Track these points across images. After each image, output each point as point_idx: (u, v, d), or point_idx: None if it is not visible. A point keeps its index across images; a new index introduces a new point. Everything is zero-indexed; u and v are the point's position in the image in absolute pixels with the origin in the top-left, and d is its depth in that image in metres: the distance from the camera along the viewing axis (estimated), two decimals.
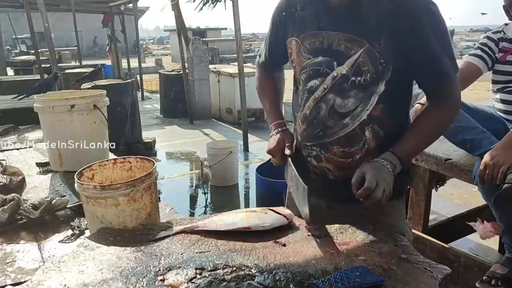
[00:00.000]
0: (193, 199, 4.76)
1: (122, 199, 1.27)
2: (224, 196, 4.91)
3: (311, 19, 1.33)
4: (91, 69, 7.50)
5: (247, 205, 4.69)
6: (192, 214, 4.41)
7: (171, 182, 5.23)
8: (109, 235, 1.24)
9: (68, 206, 1.67)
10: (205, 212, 4.44)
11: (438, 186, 2.78)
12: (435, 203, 3.59)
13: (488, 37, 2.16)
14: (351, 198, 1.24)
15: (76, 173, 1.35)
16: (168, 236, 1.18)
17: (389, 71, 1.26)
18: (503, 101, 2.10)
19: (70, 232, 1.53)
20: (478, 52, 2.13)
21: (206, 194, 4.71)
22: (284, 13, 1.41)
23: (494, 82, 2.14)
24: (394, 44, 1.23)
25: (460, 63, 2.19)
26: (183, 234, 1.23)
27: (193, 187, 5.16)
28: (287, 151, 1.41)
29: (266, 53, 1.56)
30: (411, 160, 1.31)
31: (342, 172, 1.35)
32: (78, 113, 1.97)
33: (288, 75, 1.52)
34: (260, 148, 6.46)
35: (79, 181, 1.30)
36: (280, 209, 1.33)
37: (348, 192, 1.25)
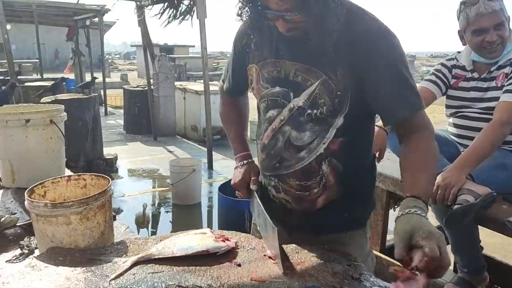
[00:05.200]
0: (154, 218, 4.67)
1: (74, 218, 1.23)
2: (186, 215, 4.85)
3: (270, 47, 1.30)
4: (52, 82, 7.35)
5: (209, 223, 4.65)
6: (153, 233, 4.32)
7: (133, 200, 5.12)
8: (59, 255, 1.20)
9: (18, 224, 1.60)
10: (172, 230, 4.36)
11: (395, 206, 2.85)
12: (393, 223, 3.68)
13: (442, 64, 2.26)
14: (310, 229, 1.29)
15: (26, 190, 1.31)
16: (126, 271, 1.11)
17: (347, 104, 1.21)
18: (455, 125, 2.19)
19: (18, 251, 1.46)
20: (433, 78, 2.22)
21: (168, 213, 4.64)
22: (244, 40, 1.37)
23: (448, 107, 2.23)
24: (351, 75, 1.19)
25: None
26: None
27: (155, 206, 5.08)
28: (253, 186, 1.37)
29: (230, 79, 1.51)
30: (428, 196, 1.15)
31: (300, 205, 1.34)
32: (33, 128, 1.91)
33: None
34: (224, 166, 6.45)
35: (29, 199, 1.26)
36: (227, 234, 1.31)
37: (307, 222, 1.30)
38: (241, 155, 1.48)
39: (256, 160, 1.49)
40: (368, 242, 1.43)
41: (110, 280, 1.06)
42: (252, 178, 1.40)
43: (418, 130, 1.21)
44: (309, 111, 1.24)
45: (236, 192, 1.48)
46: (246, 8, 1.18)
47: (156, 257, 1.17)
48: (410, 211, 1.04)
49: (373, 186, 1.44)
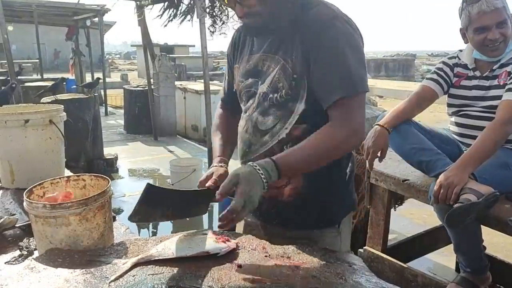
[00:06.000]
0: None
1: (73, 219, 1.22)
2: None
3: (247, 46, 1.43)
4: (52, 82, 7.35)
5: (210, 224, 4.63)
6: (154, 234, 4.32)
7: (133, 200, 5.10)
8: (58, 256, 1.18)
9: (17, 225, 1.59)
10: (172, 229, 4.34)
11: (396, 206, 2.84)
12: (396, 223, 3.67)
13: (444, 62, 2.24)
14: (281, 222, 1.36)
15: (25, 191, 1.30)
16: (126, 272, 1.10)
17: (304, 88, 1.26)
18: (457, 124, 2.17)
19: (18, 252, 1.45)
20: (434, 76, 2.20)
21: None
22: (232, 46, 1.49)
23: (449, 105, 2.21)
24: (302, 58, 1.26)
25: (417, 86, 2.29)
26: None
27: None
28: (208, 183, 1.35)
29: (225, 86, 1.60)
30: (294, 175, 1.25)
31: (268, 191, 1.33)
32: (32, 128, 1.90)
33: None
34: None
35: (28, 199, 1.25)
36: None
37: (279, 215, 1.36)
38: (216, 159, 1.49)
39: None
40: (342, 242, 1.42)
41: (110, 282, 1.05)
42: (213, 177, 1.37)
43: (334, 117, 1.23)
44: (270, 95, 1.32)
45: None
46: None
47: (156, 258, 1.16)
48: (256, 168, 1.16)
49: (347, 187, 1.43)
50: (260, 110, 1.36)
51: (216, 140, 1.56)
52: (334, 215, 1.41)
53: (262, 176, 1.15)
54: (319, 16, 1.25)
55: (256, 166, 1.16)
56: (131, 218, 1.22)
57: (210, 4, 1.34)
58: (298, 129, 1.30)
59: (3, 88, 5.59)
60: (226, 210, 1.12)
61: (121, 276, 1.08)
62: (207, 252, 1.17)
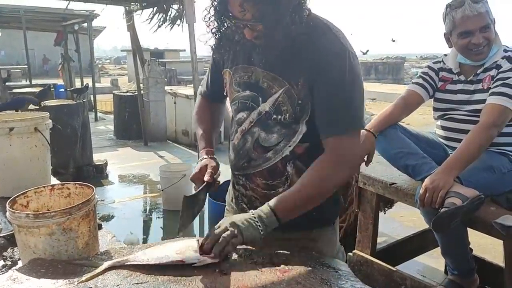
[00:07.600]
0: (145, 224, 4.64)
1: (57, 228, 1.21)
2: (177, 220, 4.80)
3: (243, 53, 1.38)
4: (40, 88, 7.30)
5: (201, 228, 4.62)
6: (145, 241, 4.29)
7: (123, 206, 5.08)
8: (41, 267, 1.17)
9: (1, 235, 1.57)
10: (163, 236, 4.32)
11: (386, 209, 2.85)
12: (385, 226, 3.68)
13: (429, 67, 2.26)
14: (284, 225, 1.30)
15: (8, 200, 1.28)
16: (99, 274, 1.11)
17: (307, 112, 1.29)
18: (443, 128, 2.19)
19: (2, 263, 1.44)
20: (420, 80, 2.22)
21: (158, 219, 4.61)
22: (222, 46, 1.41)
23: (435, 109, 2.23)
24: (307, 84, 1.27)
25: (403, 90, 2.30)
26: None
27: (145, 212, 5.04)
28: (206, 177, 1.39)
29: (208, 83, 1.61)
30: (292, 217, 1.26)
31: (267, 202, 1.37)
32: (17, 136, 1.88)
33: None
34: None
35: (11, 209, 1.23)
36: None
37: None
38: (204, 150, 1.52)
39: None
40: (337, 238, 1.51)
41: (79, 282, 1.06)
42: (208, 170, 1.42)
43: (331, 153, 1.27)
44: (274, 116, 1.33)
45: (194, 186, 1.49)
46: (212, 15, 1.25)
47: (131, 263, 1.16)
48: (252, 218, 1.20)
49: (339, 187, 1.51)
50: (263, 127, 1.36)
51: (201, 130, 1.58)
52: (331, 214, 1.47)
53: (259, 225, 1.19)
54: (331, 47, 1.25)
55: (252, 215, 1.20)
56: (180, 230, 1.37)
57: (217, 25, 1.28)
58: (300, 147, 1.33)
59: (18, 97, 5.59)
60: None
61: (92, 277, 1.09)
62: (181, 261, 1.16)
